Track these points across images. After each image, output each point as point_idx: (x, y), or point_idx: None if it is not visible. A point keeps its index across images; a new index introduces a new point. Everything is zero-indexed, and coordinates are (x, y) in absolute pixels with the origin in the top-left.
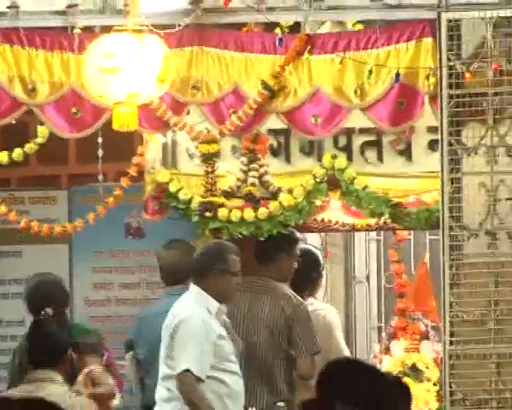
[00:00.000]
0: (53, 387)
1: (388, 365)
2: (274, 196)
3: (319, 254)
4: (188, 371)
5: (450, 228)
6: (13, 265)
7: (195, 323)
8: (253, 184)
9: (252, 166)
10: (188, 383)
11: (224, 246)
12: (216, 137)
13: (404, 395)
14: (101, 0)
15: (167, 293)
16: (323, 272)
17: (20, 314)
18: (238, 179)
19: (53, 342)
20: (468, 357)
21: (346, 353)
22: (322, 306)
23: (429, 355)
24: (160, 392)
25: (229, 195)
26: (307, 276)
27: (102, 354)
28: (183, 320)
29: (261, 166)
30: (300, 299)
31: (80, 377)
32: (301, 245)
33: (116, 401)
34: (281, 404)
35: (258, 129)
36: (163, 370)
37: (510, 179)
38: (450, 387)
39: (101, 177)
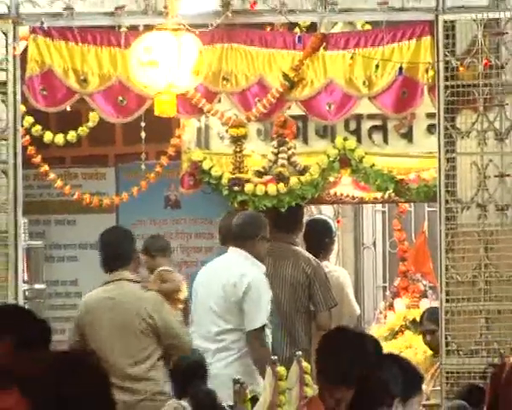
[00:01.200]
0: (127, 284)
1: (392, 319)
2: (301, 174)
3: (332, 222)
4: (262, 328)
5: (446, 201)
6: (67, 232)
7: (264, 283)
8: (282, 165)
9: (281, 148)
10: (262, 339)
11: (262, 217)
12: (243, 121)
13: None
14: (144, 2)
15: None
16: (335, 239)
17: (74, 275)
18: (269, 160)
19: (122, 249)
20: (462, 313)
21: (356, 307)
22: (335, 268)
23: None
24: (215, 344)
25: (261, 174)
26: (321, 241)
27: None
28: (253, 280)
29: (289, 148)
30: (318, 261)
31: (152, 276)
32: (315, 216)
33: (183, 295)
34: (299, 353)
35: (279, 115)
36: (219, 324)
37: (498, 159)
38: (446, 338)
39: (143, 156)
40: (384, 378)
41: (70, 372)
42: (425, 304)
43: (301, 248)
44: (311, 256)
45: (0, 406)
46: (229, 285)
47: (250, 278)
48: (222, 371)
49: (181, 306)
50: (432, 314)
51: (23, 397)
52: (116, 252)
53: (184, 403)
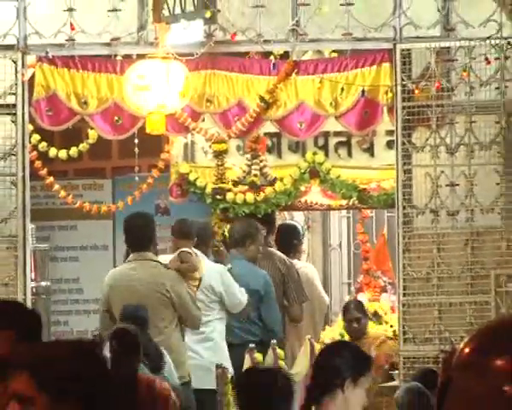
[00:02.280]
0: (148, 262)
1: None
2: (271, 183)
3: (300, 227)
4: None
5: (403, 207)
6: (70, 236)
7: None
8: (255, 175)
9: (254, 161)
10: None
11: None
12: (224, 138)
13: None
14: (137, 34)
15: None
16: (303, 241)
17: (76, 274)
18: (244, 171)
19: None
20: (417, 306)
21: (326, 298)
22: (304, 264)
23: (387, 304)
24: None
25: (236, 183)
26: (291, 243)
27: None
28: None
29: (261, 161)
30: (291, 261)
31: (172, 257)
32: (286, 221)
33: (199, 274)
34: (274, 341)
35: (257, 132)
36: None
37: (449, 170)
38: (403, 328)
39: (136, 169)
40: (336, 364)
41: (75, 358)
42: (385, 298)
43: (275, 250)
44: (285, 257)
45: (14, 387)
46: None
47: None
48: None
49: (196, 283)
50: (358, 304)
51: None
52: (139, 235)
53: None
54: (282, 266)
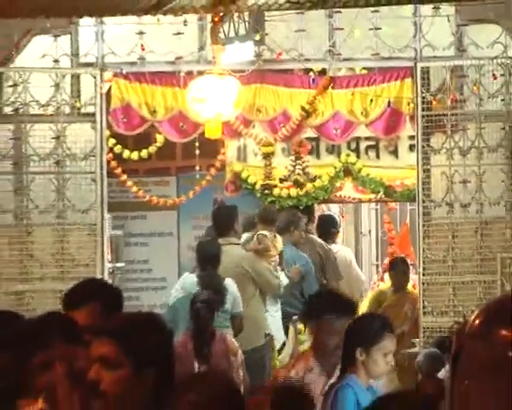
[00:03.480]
0: (231, 246)
1: (382, 287)
2: (312, 181)
3: (336, 217)
4: None
5: (423, 201)
6: (140, 224)
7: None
8: (298, 174)
9: (297, 162)
10: None
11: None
12: (271, 142)
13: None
14: (197, 54)
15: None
16: (339, 229)
17: (145, 256)
18: (289, 171)
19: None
20: (435, 284)
21: (361, 275)
22: (342, 248)
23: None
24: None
25: (283, 180)
26: (329, 231)
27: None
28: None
29: (304, 162)
30: (329, 246)
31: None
32: (325, 212)
33: (276, 251)
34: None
35: (299, 137)
36: None
37: (461, 170)
38: (423, 303)
39: (197, 168)
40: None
41: (145, 326)
42: None
43: (315, 237)
44: (323, 242)
45: (99, 351)
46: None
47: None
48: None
49: (273, 259)
50: (404, 261)
51: (118, 348)
52: (224, 223)
53: None
54: (321, 249)
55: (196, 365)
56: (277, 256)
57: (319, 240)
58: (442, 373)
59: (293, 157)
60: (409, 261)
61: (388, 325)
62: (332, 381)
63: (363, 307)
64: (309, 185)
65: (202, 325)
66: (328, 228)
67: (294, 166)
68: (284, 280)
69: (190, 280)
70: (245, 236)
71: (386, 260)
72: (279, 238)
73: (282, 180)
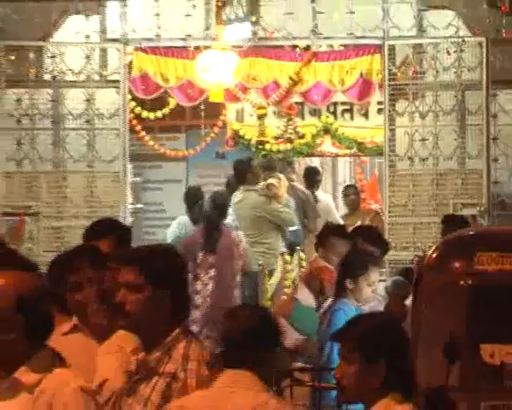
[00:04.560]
0: (248, 192)
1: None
2: (300, 138)
3: (319, 169)
4: None
5: (389, 156)
6: (156, 172)
7: None
8: (290, 133)
9: (289, 122)
10: None
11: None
12: (265, 105)
13: None
14: (204, 32)
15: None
16: (322, 178)
17: (160, 199)
18: (282, 130)
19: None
20: (399, 224)
21: (339, 218)
22: (325, 194)
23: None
24: None
25: (277, 138)
26: (314, 179)
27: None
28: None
29: (294, 122)
30: (309, 191)
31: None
32: (310, 165)
33: (283, 194)
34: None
35: (287, 102)
36: None
37: (421, 130)
38: (389, 240)
39: (203, 126)
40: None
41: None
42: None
43: (298, 184)
44: (304, 188)
45: (125, 277)
46: None
47: None
48: None
49: (283, 198)
50: (353, 185)
51: (140, 274)
52: (242, 174)
53: None
54: (302, 194)
55: (201, 255)
56: (285, 194)
57: (300, 186)
58: (409, 300)
59: (285, 119)
60: (377, 206)
61: (374, 259)
62: (327, 304)
63: None
64: (296, 142)
65: (212, 227)
66: (313, 177)
67: (286, 126)
68: None
69: (183, 220)
70: (261, 184)
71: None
72: (284, 179)
73: (276, 138)
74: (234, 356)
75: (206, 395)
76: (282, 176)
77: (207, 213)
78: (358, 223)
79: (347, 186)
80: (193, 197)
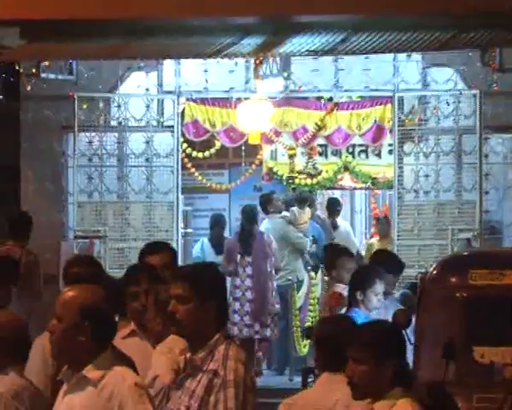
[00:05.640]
0: (274, 218)
1: (370, 241)
2: (319, 174)
3: (340, 199)
4: None
5: (398, 189)
6: (203, 203)
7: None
8: (310, 168)
9: (309, 160)
10: None
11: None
12: (294, 147)
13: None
14: (245, 85)
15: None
16: (342, 207)
17: (206, 225)
18: (304, 166)
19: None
20: (406, 246)
21: (356, 243)
22: (344, 221)
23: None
24: None
25: (300, 172)
26: (335, 209)
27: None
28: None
29: (314, 160)
30: (328, 219)
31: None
32: (331, 196)
33: (302, 220)
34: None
35: (313, 144)
36: None
37: (425, 167)
38: None
39: (243, 164)
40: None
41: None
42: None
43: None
44: (320, 214)
45: (175, 291)
46: None
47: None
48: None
49: (302, 226)
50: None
51: (189, 289)
52: (263, 205)
53: None
54: (319, 220)
55: (239, 256)
56: (306, 224)
57: (317, 213)
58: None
59: (306, 157)
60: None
61: (379, 274)
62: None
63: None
64: (320, 177)
65: (244, 233)
66: (334, 207)
67: (307, 164)
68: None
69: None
70: (289, 211)
71: (372, 230)
72: (308, 212)
73: (299, 172)
74: (329, 360)
75: (309, 394)
76: (307, 209)
77: (240, 223)
78: (388, 247)
79: (380, 218)
80: (214, 221)
